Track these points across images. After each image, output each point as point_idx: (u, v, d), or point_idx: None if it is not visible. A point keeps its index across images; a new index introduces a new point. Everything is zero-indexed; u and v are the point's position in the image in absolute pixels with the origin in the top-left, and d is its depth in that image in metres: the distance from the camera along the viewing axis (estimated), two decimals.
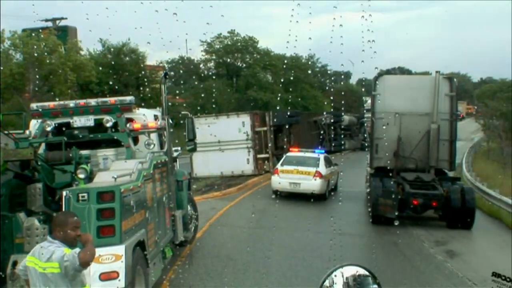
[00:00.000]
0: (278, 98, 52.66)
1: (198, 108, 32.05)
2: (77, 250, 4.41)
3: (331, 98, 60.85)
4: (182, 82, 53.22)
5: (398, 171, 15.13)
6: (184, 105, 39.68)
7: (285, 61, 57.70)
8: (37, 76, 31.45)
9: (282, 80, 55.47)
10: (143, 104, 10.81)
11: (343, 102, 56.14)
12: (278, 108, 39.09)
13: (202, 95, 42.15)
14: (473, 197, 14.61)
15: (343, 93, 65.61)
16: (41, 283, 4.36)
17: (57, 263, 4.32)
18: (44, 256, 4.38)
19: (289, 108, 43.97)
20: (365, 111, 45.66)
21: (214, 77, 51.84)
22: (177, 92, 46.61)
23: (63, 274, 4.34)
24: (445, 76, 16.58)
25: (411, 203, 14.28)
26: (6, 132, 7.61)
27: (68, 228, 4.47)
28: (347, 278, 2.70)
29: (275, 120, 26.20)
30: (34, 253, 4.51)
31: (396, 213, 13.77)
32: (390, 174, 14.78)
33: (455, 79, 16.54)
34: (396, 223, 13.62)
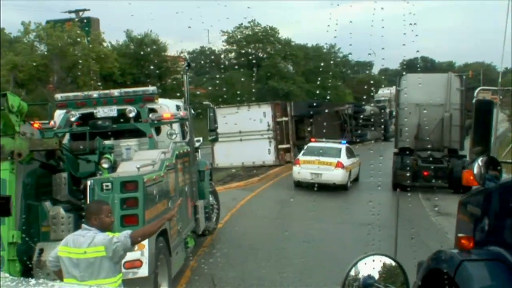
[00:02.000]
0: (299, 88, 52.45)
1: (220, 98, 32.08)
2: (128, 231, 4.59)
3: (353, 88, 60.33)
4: (204, 72, 53.33)
5: (417, 150, 18.60)
6: (207, 90, 39.76)
7: (307, 51, 57.39)
8: (63, 67, 31.84)
9: (307, 67, 54.94)
10: (163, 96, 10.84)
11: (370, 88, 55.16)
12: (303, 98, 38.82)
13: (224, 87, 42.17)
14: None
15: (371, 81, 64.84)
16: (80, 269, 4.46)
17: (103, 246, 4.44)
18: (84, 242, 4.48)
19: (315, 98, 43.72)
20: (374, 102, 45.49)
21: (235, 67, 51.79)
22: (199, 82, 46.74)
23: (110, 257, 4.46)
24: (456, 74, 20.56)
25: (422, 174, 18.14)
26: (29, 122, 7.72)
27: (103, 215, 4.63)
28: (373, 268, 2.68)
29: (296, 110, 26.07)
30: (67, 242, 4.60)
31: (411, 182, 17.78)
32: (412, 153, 18.62)
33: (463, 76, 20.78)
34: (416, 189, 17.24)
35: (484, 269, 3.72)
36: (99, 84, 32.54)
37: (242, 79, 47.17)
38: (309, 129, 27.35)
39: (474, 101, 4.83)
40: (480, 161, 3.98)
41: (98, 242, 4.45)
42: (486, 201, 4.09)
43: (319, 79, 55.13)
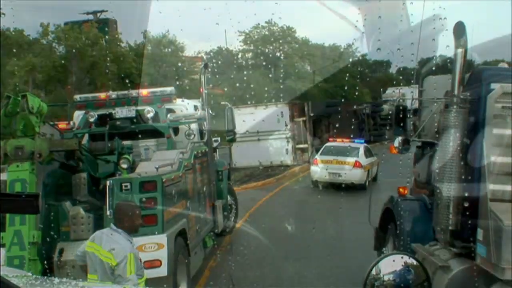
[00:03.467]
0: (317, 88, 52.22)
1: (237, 98, 32.10)
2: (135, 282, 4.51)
3: (371, 87, 59.87)
4: (221, 73, 53.34)
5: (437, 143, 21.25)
6: (224, 91, 39.83)
7: (324, 50, 57.11)
8: (81, 68, 32.13)
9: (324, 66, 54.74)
10: (180, 96, 10.86)
11: (388, 87, 54.77)
12: (320, 98, 38.76)
13: (241, 87, 42.14)
14: None
15: (388, 80, 64.30)
16: (102, 268, 4.51)
17: (116, 262, 4.45)
18: (106, 245, 4.52)
19: (332, 97, 43.58)
20: (381, 101, 45.20)
21: (252, 67, 51.78)
22: (216, 82, 46.79)
23: (115, 269, 4.49)
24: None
25: None
26: (51, 123, 7.80)
27: (129, 217, 4.63)
28: (394, 267, 2.65)
29: (314, 110, 25.96)
30: (95, 239, 4.65)
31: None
32: (433, 146, 20.83)
33: None
34: None
35: (409, 204, 7.14)
36: (117, 84, 32.80)
37: (259, 79, 47.12)
38: (326, 128, 27.26)
39: (395, 105, 7.76)
40: (399, 139, 6.80)
41: (116, 255, 4.46)
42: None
43: (336, 78, 54.76)
